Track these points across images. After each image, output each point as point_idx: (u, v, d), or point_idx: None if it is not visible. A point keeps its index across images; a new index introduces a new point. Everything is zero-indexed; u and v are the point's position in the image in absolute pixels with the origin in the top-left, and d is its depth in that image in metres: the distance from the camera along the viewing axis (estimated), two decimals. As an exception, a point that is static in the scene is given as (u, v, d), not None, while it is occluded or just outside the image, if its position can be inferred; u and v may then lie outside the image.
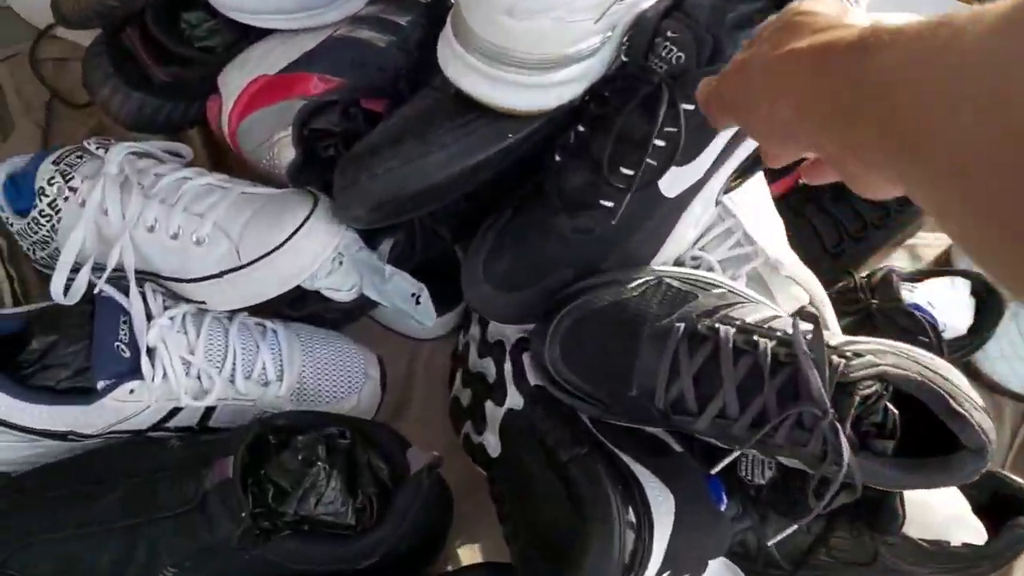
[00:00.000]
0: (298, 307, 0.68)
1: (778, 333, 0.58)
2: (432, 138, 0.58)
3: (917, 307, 0.70)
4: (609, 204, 0.62)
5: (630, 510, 0.56)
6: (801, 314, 0.58)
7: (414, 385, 0.76)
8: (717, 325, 0.58)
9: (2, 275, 0.73)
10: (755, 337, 0.57)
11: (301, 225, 0.61)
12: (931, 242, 0.90)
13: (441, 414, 0.75)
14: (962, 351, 0.76)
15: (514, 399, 0.66)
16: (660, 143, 0.60)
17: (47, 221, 0.65)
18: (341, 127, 0.66)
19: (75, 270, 0.63)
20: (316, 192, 0.66)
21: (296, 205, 0.64)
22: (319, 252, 0.62)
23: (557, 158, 0.64)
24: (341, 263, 0.66)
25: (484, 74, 0.57)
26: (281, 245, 0.61)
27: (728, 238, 0.71)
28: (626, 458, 0.60)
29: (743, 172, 0.67)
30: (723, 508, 0.62)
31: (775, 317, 0.60)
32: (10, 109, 0.83)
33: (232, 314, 0.67)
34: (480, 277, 0.65)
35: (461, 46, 0.57)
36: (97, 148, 0.66)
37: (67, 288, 0.62)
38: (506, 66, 0.56)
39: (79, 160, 0.66)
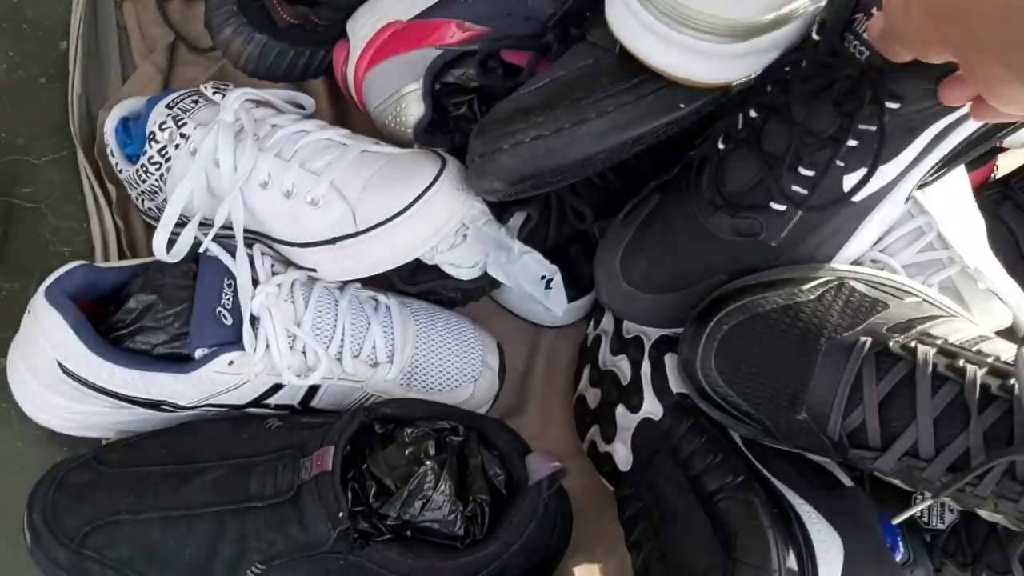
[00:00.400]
0: (414, 282, 0.61)
1: (989, 359, 0.47)
2: (590, 103, 0.49)
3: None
4: (781, 208, 0.52)
5: (791, 553, 0.47)
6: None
7: (534, 378, 0.68)
8: (914, 344, 0.48)
9: (109, 225, 0.69)
10: (961, 362, 0.47)
11: (425, 190, 0.54)
12: None
13: (564, 414, 0.67)
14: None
15: (651, 406, 0.57)
16: (853, 143, 0.50)
17: (156, 169, 0.60)
18: (478, 82, 0.58)
19: (181, 225, 0.58)
20: (444, 154, 0.58)
21: (421, 168, 0.56)
22: (443, 223, 0.55)
23: (721, 146, 0.55)
24: (465, 236, 0.58)
25: (663, 37, 0.47)
26: (402, 212, 0.54)
27: (918, 239, 0.60)
28: (786, 491, 0.50)
29: (944, 164, 0.56)
30: (898, 558, 0.53)
31: (985, 339, 0.50)
32: (133, 49, 0.79)
33: (344, 285, 0.60)
34: (617, 273, 0.57)
35: (638, 1, 0.48)
36: (214, 93, 0.61)
37: (171, 244, 0.57)
38: (690, 30, 0.47)
39: (194, 105, 0.60)
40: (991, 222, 0.74)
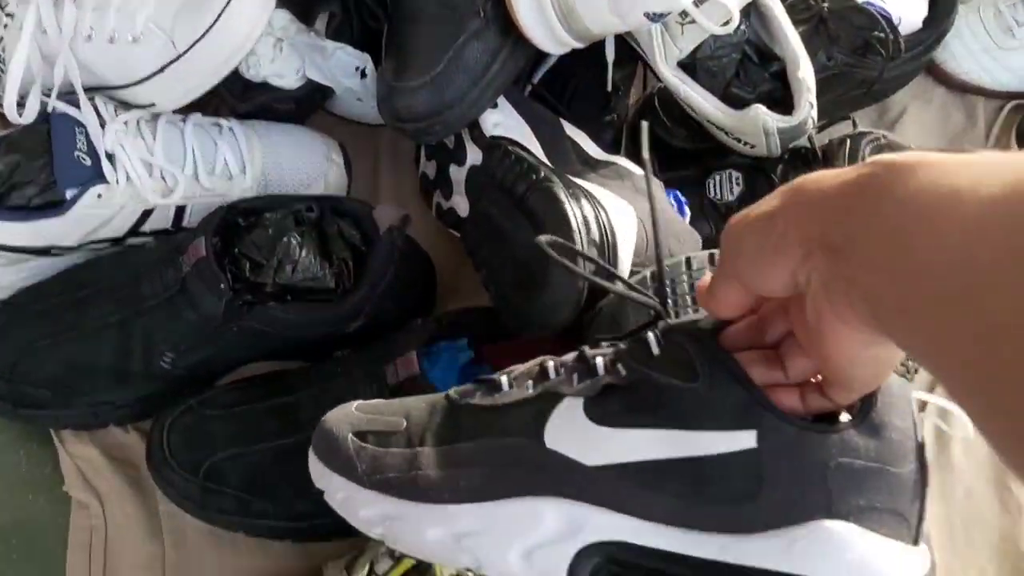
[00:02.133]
0: (247, 98, 0.69)
1: None
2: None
3: (869, 3, 0.69)
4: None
5: (591, 220, 0.57)
6: None
7: (381, 171, 0.77)
8: None
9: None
10: None
11: (229, 2, 0.61)
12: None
13: (412, 194, 0.76)
14: (921, 46, 0.75)
15: (474, 155, 0.66)
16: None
17: (-9, 51, 0.66)
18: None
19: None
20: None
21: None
22: (251, 28, 0.62)
23: None
24: (282, 49, 0.66)
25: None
26: (212, 25, 0.61)
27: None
28: (583, 181, 0.61)
29: None
30: (686, 219, 0.64)
31: None
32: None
33: (185, 116, 0.67)
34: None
35: None
36: (24, -28, 0.66)
37: (20, 108, 0.63)
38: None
39: (8, -13, 0.66)
40: None
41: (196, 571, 0.62)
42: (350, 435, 0.43)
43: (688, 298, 0.58)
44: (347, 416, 0.44)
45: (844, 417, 0.37)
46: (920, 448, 0.37)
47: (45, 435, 0.66)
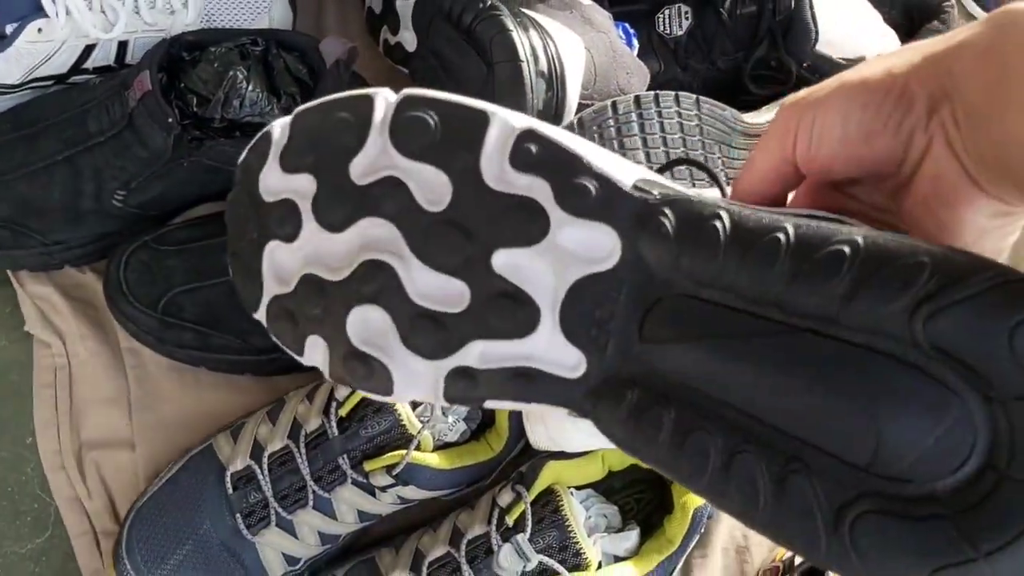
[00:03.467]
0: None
1: None
2: None
3: None
4: None
5: (538, 48, 0.57)
6: None
7: (327, 6, 0.76)
8: None
9: None
10: None
11: None
12: None
13: (359, 31, 0.75)
14: None
15: (422, -14, 0.65)
16: None
17: None
18: None
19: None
20: None
21: None
22: None
23: None
24: None
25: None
26: None
27: None
28: (531, 12, 0.60)
29: None
30: (634, 53, 0.64)
31: None
32: None
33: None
34: None
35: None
36: None
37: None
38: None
39: None
40: None
41: (160, 406, 0.64)
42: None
43: (615, 143, 0.59)
44: None
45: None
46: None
47: (4, 276, 0.66)
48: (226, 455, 0.58)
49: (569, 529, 0.54)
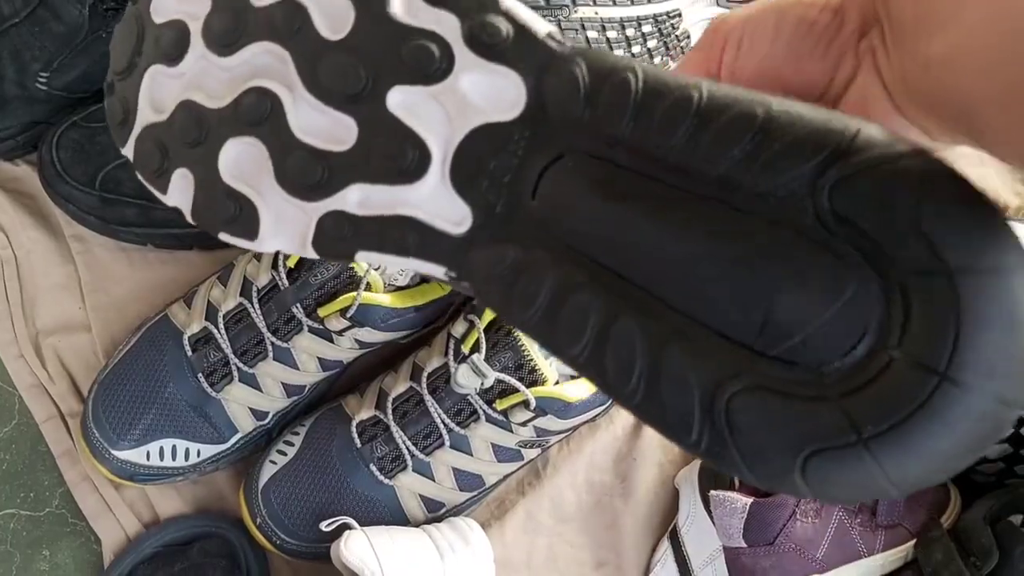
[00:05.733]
0: None
1: None
2: None
3: None
4: None
5: None
6: None
7: None
8: None
9: None
10: None
11: None
12: None
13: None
14: None
15: None
16: None
17: None
18: None
19: None
20: None
21: None
22: None
23: None
24: None
25: None
26: None
27: None
28: None
29: None
30: None
31: None
32: None
33: None
34: None
35: None
36: None
37: None
38: None
39: None
40: None
41: (112, 288, 0.64)
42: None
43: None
44: None
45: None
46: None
47: (-65, 176, 0.65)
48: (181, 321, 0.59)
49: (523, 350, 0.56)
